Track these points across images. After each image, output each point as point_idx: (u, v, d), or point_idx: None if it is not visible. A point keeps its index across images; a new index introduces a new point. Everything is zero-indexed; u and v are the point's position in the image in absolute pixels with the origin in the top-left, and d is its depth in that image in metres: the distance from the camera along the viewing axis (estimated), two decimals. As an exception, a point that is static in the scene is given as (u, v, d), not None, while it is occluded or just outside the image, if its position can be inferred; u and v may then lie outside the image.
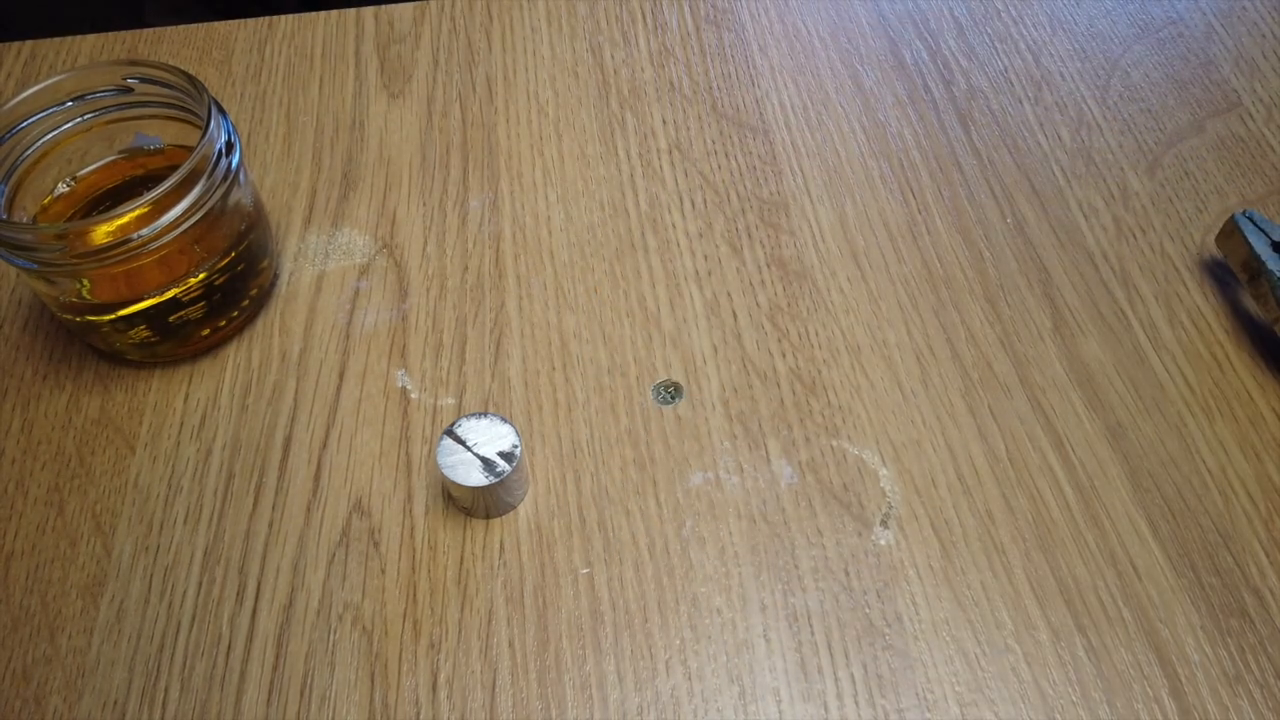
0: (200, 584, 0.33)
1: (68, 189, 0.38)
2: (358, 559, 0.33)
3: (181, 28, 0.50)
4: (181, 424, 0.36)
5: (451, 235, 0.41)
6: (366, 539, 0.33)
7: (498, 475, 0.31)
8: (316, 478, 0.35)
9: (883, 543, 0.33)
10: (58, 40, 0.50)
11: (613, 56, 0.48)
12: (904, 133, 0.44)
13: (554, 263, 0.40)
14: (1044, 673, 0.30)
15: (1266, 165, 0.43)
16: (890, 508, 0.33)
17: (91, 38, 0.50)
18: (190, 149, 0.33)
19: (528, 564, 0.33)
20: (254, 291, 0.38)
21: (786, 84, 0.46)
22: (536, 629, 0.31)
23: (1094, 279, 0.39)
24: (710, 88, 0.46)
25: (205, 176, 0.33)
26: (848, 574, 0.32)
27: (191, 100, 0.35)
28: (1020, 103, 0.45)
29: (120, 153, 0.38)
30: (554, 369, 0.37)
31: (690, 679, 0.30)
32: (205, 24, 0.50)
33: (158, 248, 0.33)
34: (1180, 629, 0.31)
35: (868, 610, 0.31)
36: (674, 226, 0.41)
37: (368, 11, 0.50)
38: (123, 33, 0.50)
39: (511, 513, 0.34)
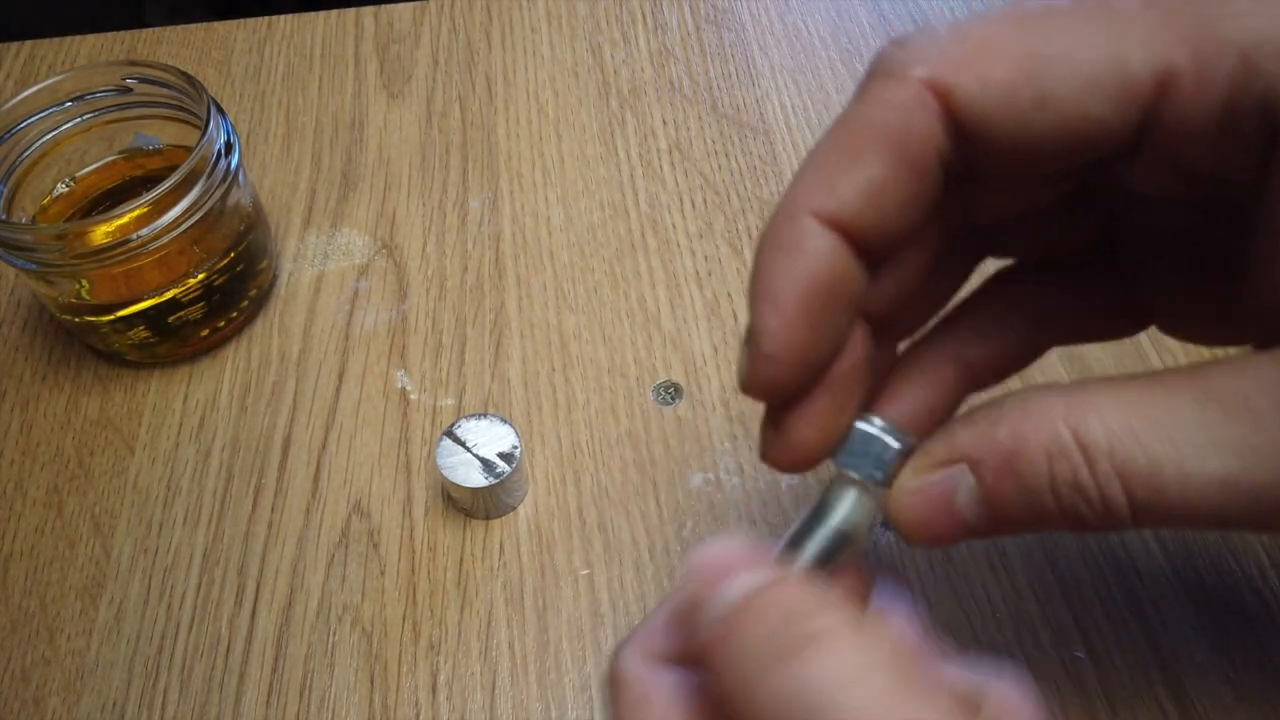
0: (199, 585, 0.32)
1: (67, 189, 0.38)
2: (357, 560, 0.33)
3: (181, 28, 0.50)
4: (180, 425, 0.36)
5: (451, 235, 0.41)
6: (366, 540, 0.33)
7: (497, 476, 0.31)
8: (316, 479, 0.35)
9: (884, 542, 0.33)
10: (57, 40, 0.49)
11: (613, 56, 0.48)
12: (904, 133, 0.44)
13: (554, 263, 0.40)
14: (1045, 674, 0.30)
15: (1267, 165, 0.43)
16: (891, 508, 0.33)
17: (91, 38, 0.50)
18: (189, 149, 0.33)
19: (527, 565, 0.32)
20: (253, 292, 0.38)
21: (787, 84, 0.46)
22: (536, 630, 0.31)
23: None
24: (710, 88, 0.46)
25: (204, 177, 0.33)
26: (848, 575, 0.32)
27: (190, 100, 0.35)
28: (1021, 103, 0.45)
29: (119, 153, 0.38)
30: (554, 369, 0.37)
31: (690, 680, 0.30)
32: (204, 24, 0.50)
33: (157, 248, 0.33)
34: (1181, 630, 0.30)
35: (868, 611, 0.31)
36: (674, 227, 0.41)
37: (367, 11, 0.50)
38: (122, 33, 0.50)
39: (511, 514, 0.34)
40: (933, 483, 0.19)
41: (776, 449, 0.21)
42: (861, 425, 0.20)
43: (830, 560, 0.19)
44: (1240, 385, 0.17)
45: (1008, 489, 0.18)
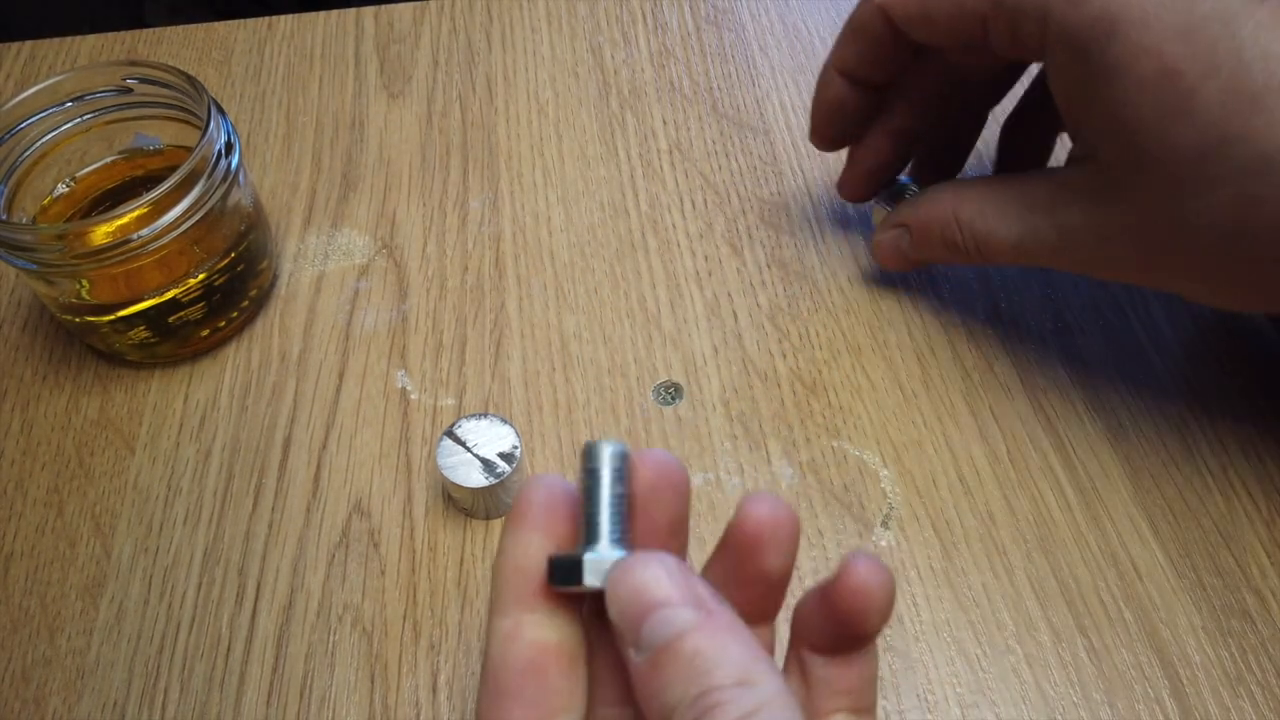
0: (200, 585, 0.32)
1: (67, 189, 0.38)
2: (358, 560, 0.33)
3: (181, 28, 0.50)
4: (181, 425, 0.36)
5: (451, 236, 0.41)
6: (366, 540, 0.33)
7: (498, 476, 0.31)
8: (316, 479, 0.35)
9: (883, 543, 0.33)
10: (57, 41, 0.50)
11: (613, 57, 0.48)
12: (904, 133, 0.44)
13: (554, 263, 0.40)
14: (1045, 674, 0.30)
15: (1267, 165, 0.43)
16: (891, 508, 0.33)
17: (91, 38, 0.50)
18: (190, 149, 0.33)
19: (528, 565, 0.32)
20: (253, 292, 0.38)
21: (787, 84, 0.46)
22: (537, 630, 0.31)
23: (1094, 278, 0.39)
24: (710, 88, 0.46)
25: (205, 177, 0.33)
26: (848, 575, 0.32)
27: (191, 101, 0.35)
28: (1021, 103, 0.45)
29: (120, 153, 0.38)
30: (554, 370, 0.37)
31: (691, 680, 0.30)
32: (205, 24, 0.50)
33: (157, 248, 0.33)
34: (1181, 630, 0.30)
35: (868, 611, 0.31)
36: (674, 227, 0.41)
37: (367, 11, 0.50)
38: (122, 33, 0.50)
39: (512, 513, 0.34)
40: (890, 234, 0.36)
41: (845, 177, 0.38)
42: (899, 179, 0.38)
43: (623, 515, 0.21)
44: (1034, 187, 0.31)
45: (923, 240, 0.35)
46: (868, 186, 0.38)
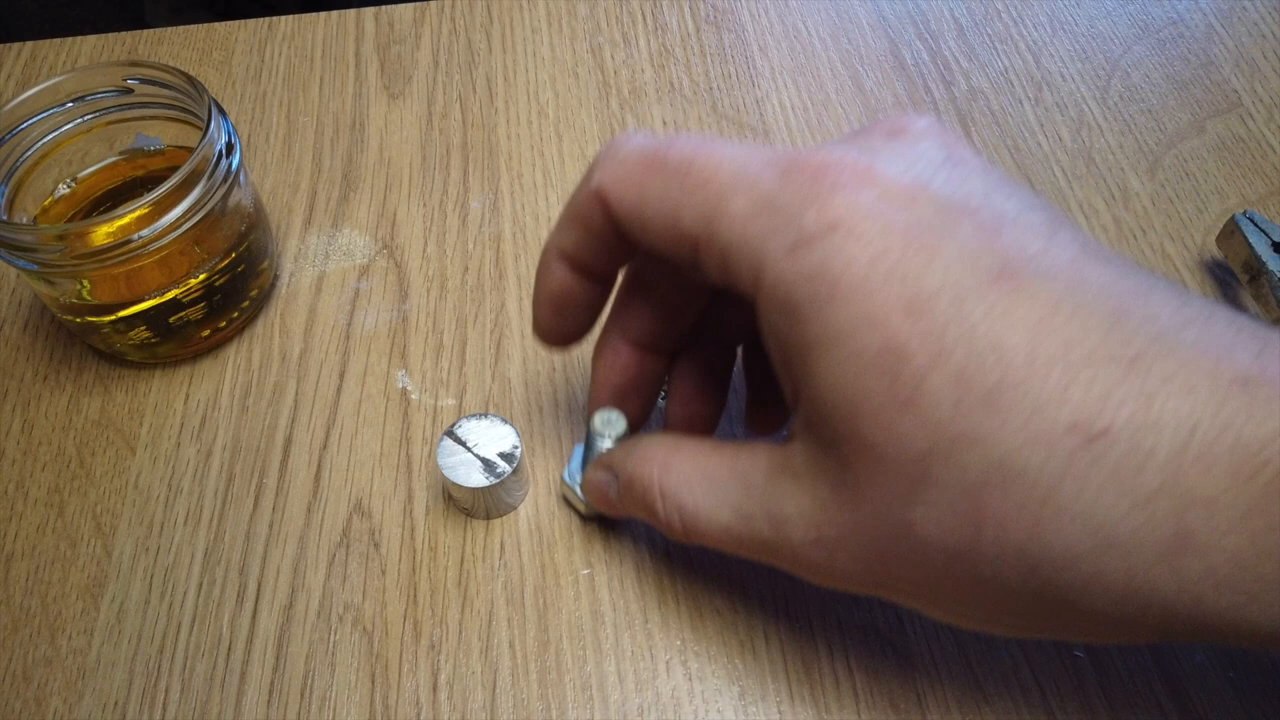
0: (200, 585, 0.33)
1: (68, 190, 0.38)
2: (358, 560, 0.33)
3: (182, 29, 0.50)
4: (182, 425, 0.36)
5: (452, 236, 0.41)
6: (367, 540, 0.33)
7: (498, 476, 0.31)
8: (317, 479, 0.35)
9: (883, 543, 0.33)
10: (58, 41, 0.50)
11: (613, 57, 0.48)
12: (904, 133, 0.44)
13: (554, 263, 0.40)
14: (1044, 674, 0.30)
15: (1267, 166, 0.43)
16: (891, 508, 0.33)
17: (92, 39, 0.50)
18: (190, 150, 0.33)
19: (528, 565, 0.33)
20: (254, 292, 0.38)
21: (787, 85, 0.46)
22: (537, 630, 0.31)
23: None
24: (710, 88, 0.46)
25: (205, 178, 0.33)
26: (848, 575, 0.32)
27: (192, 101, 0.35)
28: (1020, 103, 0.45)
29: (120, 154, 0.38)
30: (554, 370, 0.37)
31: (691, 680, 0.30)
32: (205, 25, 0.50)
33: (158, 249, 0.33)
34: (1181, 630, 0.31)
35: (869, 611, 0.31)
36: (674, 227, 0.41)
37: (368, 12, 0.50)
38: (123, 34, 0.50)
39: (512, 513, 0.34)
40: (598, 476, 0.30)
41: (590, 390, 0.32)
42: (600, 412, 0.31)
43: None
44: (751, 463, 0.25)
45: (629, 498, 0.29)
46: (616, 405, 0.31)
